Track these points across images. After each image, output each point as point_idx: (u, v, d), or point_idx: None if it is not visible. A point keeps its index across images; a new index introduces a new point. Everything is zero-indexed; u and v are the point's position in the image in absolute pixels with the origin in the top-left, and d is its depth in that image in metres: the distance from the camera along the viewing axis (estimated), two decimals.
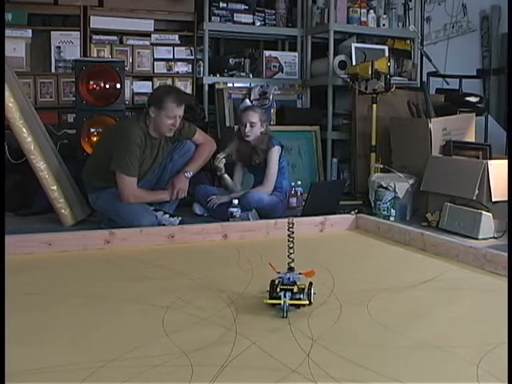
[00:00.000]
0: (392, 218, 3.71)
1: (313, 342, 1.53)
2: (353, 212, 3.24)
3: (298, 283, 1.78)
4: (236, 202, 3.45)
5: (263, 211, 3.59)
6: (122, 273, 2.26)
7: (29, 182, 3.71)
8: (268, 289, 1.78)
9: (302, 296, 1.75)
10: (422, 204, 3.93)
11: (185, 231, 2.78)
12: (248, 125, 3.78)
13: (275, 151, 3.81)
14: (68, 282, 2.12)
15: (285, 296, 1.72)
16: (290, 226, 1.88)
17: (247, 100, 4.75)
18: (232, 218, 3.34)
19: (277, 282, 1.79)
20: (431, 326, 1.70)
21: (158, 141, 3.44)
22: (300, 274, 1.80)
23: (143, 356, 1.44)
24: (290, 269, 1.83)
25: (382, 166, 4.22)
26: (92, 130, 4.12)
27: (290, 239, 1.87)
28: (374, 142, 4.42)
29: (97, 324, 1.68)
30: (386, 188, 3.83)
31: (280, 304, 1.72)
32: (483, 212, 3.37)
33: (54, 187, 3.49)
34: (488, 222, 3.37)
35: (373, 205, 3.90)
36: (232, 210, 3.38)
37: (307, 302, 1.75)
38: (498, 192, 3.45)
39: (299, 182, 4.23)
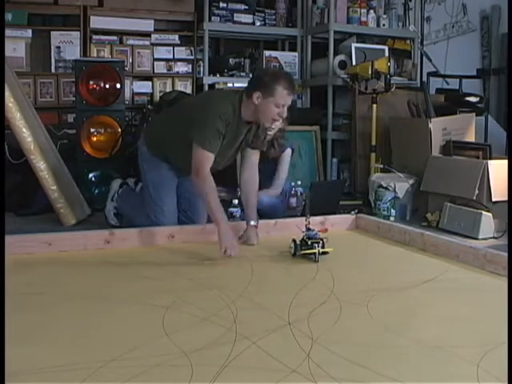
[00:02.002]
0: (392, 218, 3.71)
1: (313, 341, 1.53)
2: (353, 212, 3.24)
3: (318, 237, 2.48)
4: (236, 201, 3.44)
5: (262, 212, 3.56)
6: (122, 273, 2.26)
7: (29, 182, 3.70)
8: (292, 245, 2.52)
9: (325, 246, 2.47)
10: (421, 204, 3.93)
11: (185, 231, 2.78)
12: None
13: (288, 153, 3.71)
14: (68, 282, 2.12)
15: (318, 246, 2.44)
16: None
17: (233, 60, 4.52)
18: (232, 218, 3.34)
19: (305, 237, 2.49)
20: (431, 325, 1.70)
21: (246, 126, 2.89)
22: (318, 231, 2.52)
23: (143, 356, 1.44)
24: (308, 229, 2.53)
25: (382, 165, 4.22)
26: (92, 129, 4.12)
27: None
28: (374, 142, 4.42)
29: (97, 324, 1.68)
30: (386, 188, 3.83)
31: (314, 253, 2.41)
32: (483, 212, 3.37)
33: (54, 187, 3.49)
34: (488, 222, 3.37)
35: (373, 205, 3.90)
36: (232, 209, 3.38)
37: (332, 249, 2.46)
38: (498, 192, 3.45)
39: (299, 182, 4.23)
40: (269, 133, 3.21)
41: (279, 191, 3.73)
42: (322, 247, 2.45)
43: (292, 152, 3.83)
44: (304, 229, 2.54)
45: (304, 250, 2.44)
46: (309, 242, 2.45)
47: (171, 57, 5.03)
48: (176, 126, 2.96)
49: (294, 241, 2.50)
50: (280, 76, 2.81)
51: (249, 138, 2.96)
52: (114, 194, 3.44)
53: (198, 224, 3.07)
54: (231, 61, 5.20)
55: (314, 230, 2.52)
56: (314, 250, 2.41)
